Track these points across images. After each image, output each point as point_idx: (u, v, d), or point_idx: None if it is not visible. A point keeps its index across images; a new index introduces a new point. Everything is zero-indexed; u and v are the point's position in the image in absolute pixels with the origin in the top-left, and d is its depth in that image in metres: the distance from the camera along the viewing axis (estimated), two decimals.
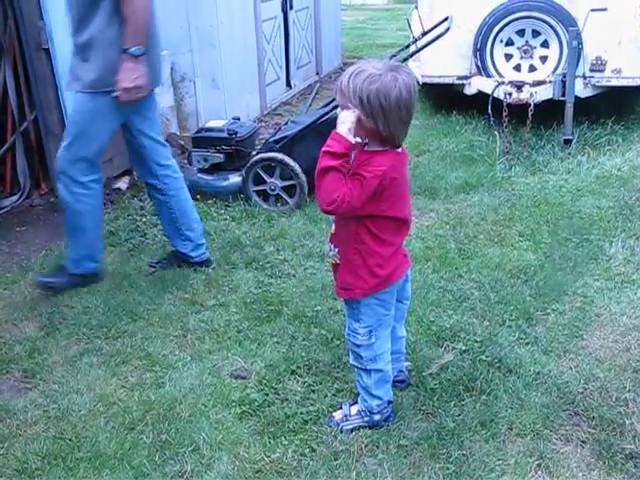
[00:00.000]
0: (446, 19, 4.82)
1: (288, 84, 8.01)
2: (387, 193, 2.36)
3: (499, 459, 2.57)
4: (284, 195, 4.85)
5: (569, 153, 5.62)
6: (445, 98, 6.72)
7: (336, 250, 2.54)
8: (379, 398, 2.70)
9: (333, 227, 2.54)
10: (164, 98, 6.04)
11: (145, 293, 3.79)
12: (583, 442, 2.65)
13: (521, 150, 5.59)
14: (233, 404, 2.89)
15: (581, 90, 5.85)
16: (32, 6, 4.72)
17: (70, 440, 2.73)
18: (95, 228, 3.87)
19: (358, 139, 2.32)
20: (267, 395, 2.93)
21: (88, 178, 3.71)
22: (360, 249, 2.48)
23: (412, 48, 5.35)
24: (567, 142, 5.72)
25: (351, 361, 2.72)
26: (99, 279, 3.92)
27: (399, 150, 2.41)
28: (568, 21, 5.73)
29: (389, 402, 2.74)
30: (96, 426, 2.80)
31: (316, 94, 7.83)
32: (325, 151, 2.29)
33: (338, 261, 2.55)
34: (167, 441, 2.70)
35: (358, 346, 2.62)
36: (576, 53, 5.52)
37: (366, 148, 2.39)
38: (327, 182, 2.29)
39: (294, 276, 3.93)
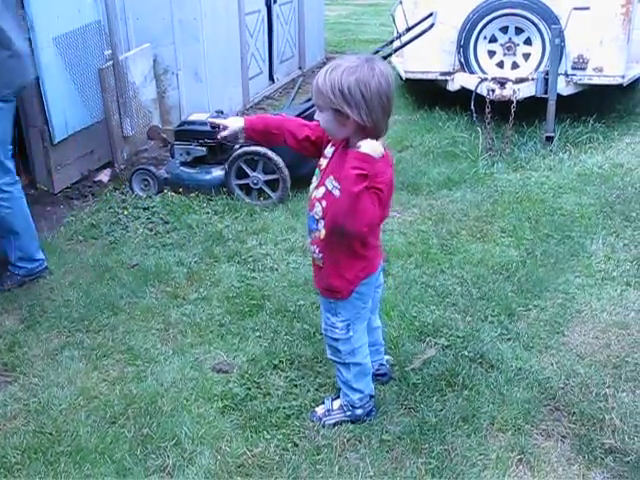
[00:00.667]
0: (430, 15, 4.82)
1: (271, 78, 7.97)
2: (386, 198, 2.36)
3: (481, 454, 2.59)
4: (267, 189, 4.83)
5: (551, 150, 5.65)
6: (428, 94, 6.72)
7: (321, 255, 2.52)
8: (360, 392, 2.70)
9: (322, 232, 2.47)
10: (147, 90, 6.01)
11: (127, 286, 3.76)
12: (563, 437, 2.67)
13: (503, 147, 5.61)
14: (215, 398, 2.89)
15: (563, 88, 5.87)
16: None
17: (50, 434, 2.71)
18: (27, 229, 3.86)
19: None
20: (249, 389, 2.92)
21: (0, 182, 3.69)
22: (350, 255, 2.48)
23: (396, 44, 5.36)
24: (549, 139, 5.74)
25: (329, 355, 2.72)
26: (45, 273, 3.92)
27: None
28: (551, 19, 5.75)
29: (371, 396, 2.75)
30: (77, 420, 2.78)
31: (299, 88, 7.80)
32: (359, 174, 2.21)
33: (321, 265, 2.53)
34: (149, 435, 2.69)
35: (336, 340, 2.62)
36: (558, 51, 5.54)
37: (351, 147, 2.37)
38: (363, 203, 2.24)
39: (277, 270, 3.92)
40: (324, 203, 2.42)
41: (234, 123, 2.68)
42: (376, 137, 2.34)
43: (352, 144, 2.37)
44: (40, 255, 3.92)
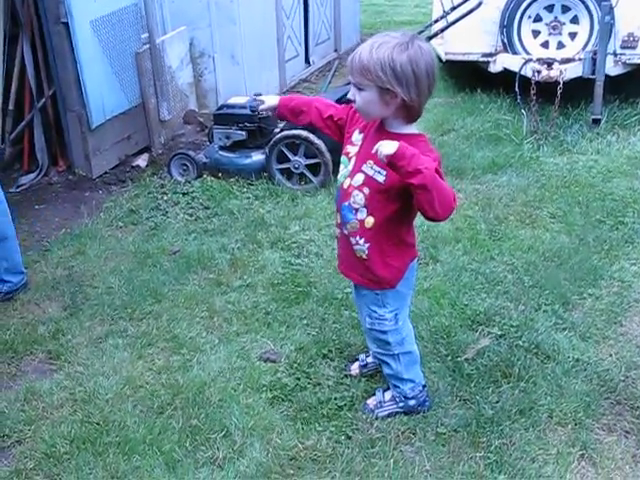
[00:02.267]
0: None
1: (307, 61, 7.85)
2: None
3: (540, 448, 2.50)
4: (308, 174, 4.74)
5: (598, 133, 5.47)
6: (469, 76, 6.56)
7: (366, 245, 2.40)
8: (411, 381, 2.62)
9: (371, 220, 2.35)
10: (183, 74, 5.94)
11: (169, 273, 3.71)
12: (627, 432, 2.56)
13: (549, 130, 5.44)
14: (264, 388, 2.82)
15: (611, 68, 5.67)
16: None
17: (98, 424, 2.67)
18: (13, 235, 3.60)
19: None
20: (299, 380, 2.85)
21: None
22: (397, 242, 2.40)
23: (439, 25, 5.22)
24: (596, 122, 5.56)
25: (375, 349, 2.64)
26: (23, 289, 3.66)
27: (418, 131, 2.32)
28: None
29: (423, 386, 2.66)
30: (124, 410, 2.73)
31: (335, 71, 7.70)
32: (417, 164, 2.06)
33: (365, 256, 2.42)
34: (197, 426, 2.63)
35: (385, 332, 2.53)
36: (608, 29, 5.35)
37: (389, 129, 2.29)
38: (439, 185, 2.10)
39: (321, 256, 3.83)
40: (366, 190, 2.32)
41: (270, 100, 2.68)
42: (415, 118, 2.28)
43: (389, 125, 2.29)
44: (23, 267, 3.68)
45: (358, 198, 2.35)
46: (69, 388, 2.88)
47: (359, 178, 2.34)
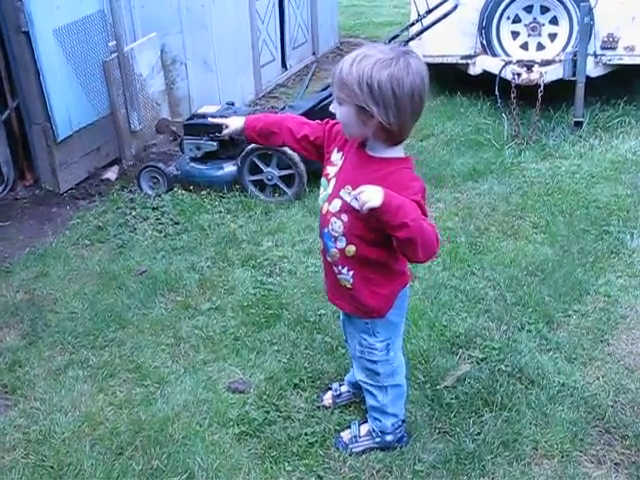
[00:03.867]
0: None
1: (284, 65, 7.67)
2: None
3: None
4: (282, 185, 4.57)
5: (580, 136, 5.34)
6: (448, 79, 6.41)
7: (350, 273, 2.23)
8: (395, 416, 2.46)
9: (352, 248, 2.17)
10: (155, 82, 5.76)
11: (135, 296, 3.53)
12: (617, 464, 2.42)
13: (530, 134, 5.30)
14: (231, 423, 2.65)
15: (592, 69, 5.54)
16: None
17: (52, 467, 2.49)
18: None
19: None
20: (268, 413, 2.68)
21: None
22: (384, 271, 2.23)
23: (415, 27, 5.07)
24: (578, 124, 5.43)
25: (363, 379, 2.45)
26: None
27: (403, 155, 2.14)
28: None
29: (402, 421, 2.50)
30: (81, 450, 2.55)
31: (313, 75, 7.56)
32: (402, 218, 1.91)
33: (350, 285, 2.25)
34: (159, 468, 2.46)
35: (374, 362, 2.36)
36: (588, 30, 5.22)
37: (370, 151, 2.11)
38: (423, 233, 1.95)
39: (294, 274, 3.67)
40: (344, 217, 2.14)
41: (235, 122, 2.47)
42: (399, 141, 2.08)
43: (370, 147, 2.11)
44: None
45: (336, 226, 2.17)
46: (23, 427, 2.69)
47: (336, 204, 2.16)
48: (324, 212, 2.21)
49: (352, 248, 2.17)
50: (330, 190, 2.19)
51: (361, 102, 1.96)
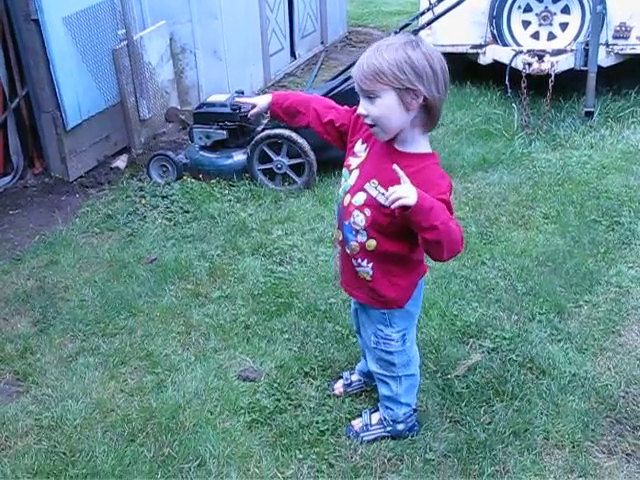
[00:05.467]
0: None
1: (293, 54, 7.64)
2: None
3: (537, 475, 2.35)
4: (292, 174, 4.56)
5: (591, 126, 5.30)
6: (458, 68, 6.36)
7: (370, 265, 2.21)
8: (407, 405, 2.46)
9: (373, 242, 2.16)
10: (164, 70, 5.74)
11: (145, 284, 3.53)
12: (629, 455, 2.41)
13: (540, 124, 5.27)
14: (242, 411, 2.65)
15: (603, 59, 5.50)
16: None
17: (64, 454, 2.50)
18: None
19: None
20: (279, 401, 2.69)
21: None
22: (404, 262, 2.21)
23: (426, 16, 5.04)
24: (589, 114, 5.40)
25: (377, 370, 2.44)
26: None
27: (430, 150, 2.12)
28: None
29: (414, 410, 2.50)
30: (92, 437, 2.56)
31: (321, 64, 7.52)
32: (433, 221, 1.90)
33: (369, 278, 2.24)
34: (170, 455, 2.46)
35: (390, 353, 2.35)
36: (600, 19, 5.17)
37: (400, 146, 2.08)
38: (451, 235, 1.94)
39: (305, 263, 3.66)
40: (367, 212, 2.11)
41: (262, 100, 2.42)
42: (435, 123, 2.08)
43: (400, 140, 2.07)
44: None
45: (359, 219, 2.15)
46: (35, 413, 2.70)
47: (360, 197, 2.14)
48: (346, 204, 2.19)
49: (373, 242, 2.15)
50: (352, 182, 2.17)
51: (406, 83, 1.95)
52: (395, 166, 1.94)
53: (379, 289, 2.24)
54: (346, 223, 2.20)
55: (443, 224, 1.90)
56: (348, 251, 2.24)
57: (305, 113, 2.35)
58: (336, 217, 2.30)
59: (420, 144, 2.09)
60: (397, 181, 1.92)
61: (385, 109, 2.00)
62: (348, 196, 2.18)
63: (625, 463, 2.38)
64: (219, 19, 5.99)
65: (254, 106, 2.44)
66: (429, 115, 2.03)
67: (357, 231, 2.17)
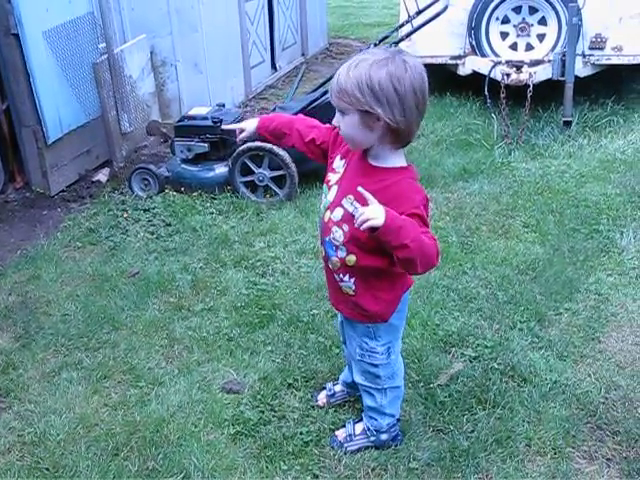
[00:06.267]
0: None
1: (273, 66, 7.68)
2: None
3: None
4: (273, 186, 4.58)
5: (569, 136, 5.37)
6: (438, 79, 6.41)
7: (352, 280, 2.22)
8: (391, 416, 2.48)
9: (352, 258, 2.16)
10: (145, 84, 5.75)
11: (128, 297, 3.53)
12: (609, 460, 2.44)
13: (519, 133, 5.33)
14: (226, 423, 2.66)
15: (580, 69, 5.58)
16: None
17: (47, 470, 2.49)
18: None
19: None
20: (262, 413, 2.69)
21: None
22: (387, 277, 2.21)
23: (405, 28, 5.08)
24: (567, 124, 5.47)
25: (362, 382, 2.45)
26: None
27: (406, 163, 2.12)
28: None
29: (397, 419, 2.51)
30: (76, 452, 2.55)
31: (302, 76, 7.55)
32: (403, 240, 1.89)
33: (352, 292, 2.25)
34: (154, 469, 2.46)
35: (376, 366, 2.37)
36: (576, 30, 5.25)
37: (373, 161, 2.10)
38: (424, 250, 1.94)
39: (287, 275, 3.68)
40: (345, 227, 2.13)
41: (250, 124, 2.46)
42: (405, 143, 2.07)
43: (373, 155, 2.09)
44: None
45: (337, 235, 2.17)
46: (18, 429, 2.69)
47: (338, 213, 2.15)
48: (326, 220, 2.21)
49: (353, 258, 2.16)
50: (331, 198, 2.18)
51: (364, 106, 1.95)
52: (360, 188, 1.96)
53: (363, 304, 2.25)
54: (327, 239, 2.21)
55: (414, 241, 1.90)
56: (330, 266, 2.26)
57: (289, 134, 2.38)
58: (319, 233, 2.32)
59: (393, 159, 2.09)
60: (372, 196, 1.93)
61: (350, 127, 2.03)
62: (328, 212, 2.19)
63: (606, 468, 2.40)
64: (199, 32, 6.01)
65: (242, 130, 2.48)
66: (396, 137, 2.02)
67: (337, 247, 2.18)
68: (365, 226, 1.88)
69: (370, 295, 2.23)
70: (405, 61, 1.95)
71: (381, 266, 2.16)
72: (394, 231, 1.88)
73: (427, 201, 2.07)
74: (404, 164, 2.12)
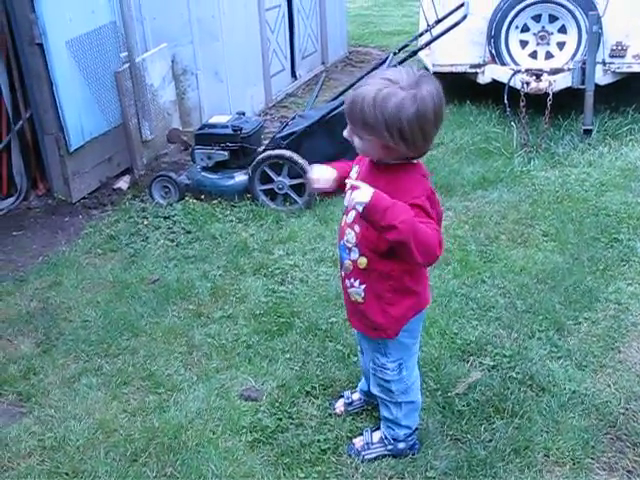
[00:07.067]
0: (462, 5, 4.55)
1: (293, 75, 7.72)
2: (433, 210, 2.11)
3: None
4: (293, 194, 4.60)
5: (589, 144, 5.34)
6: (457, 88, 6.42)
7: (362, 287, 2.24)
8: (408, 427, 2.47)
9: (364, 260, 2.19)
10: (166, 92, 5.81)
11: (147, 304, 3.56)
12: (629, 472, 2.42)
13: (539, 142, 5.32)
14: (244, 430, 2.67)
15: (601, 77, 5.56)
16: None
17: (67, 474, 2.52)
18: None
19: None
20: (280, 420, 2.70)
21: None
22: (397, 288, 2.22)
23: (425, 37, 5.09)
24: (587, 132, 5.44)
25: (377, 393, 2.47)
26: None
27: (415, 161, 2.15)
28: (587, 5, 5.44)
29: (415, 429, 2.51)
30: (95, 457, 2.58)
31: (322, 85, 7.57)
32: (391, 220, 1.94)
33: (361, 300, 2.26)
34: (172, 475, 2.48)
35: (387, 381, 2.38)
36: (596, 38, 5.23)
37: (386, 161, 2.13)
38: (418, 234, 1.96)
39: (306, 283, 3.69)
40: (357, 228, 2.17)
41: (325, 173, 2.31)
42: (417, 157, 2.12)
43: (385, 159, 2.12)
44: None
45: (350, 236, 2.21)
46: (38, 434, 2.72)
47: (351, 215, 2.20)
48: (342, 224, 2.25)
49: (364, 260, 2.18)
50: (346, 202, 2.20)
51: (389, 142, 1.99)
52: (347, 180, 2.06)
53: (369, 314, 2.26)
54: (341, 243, 2.25)
55: (404, 223, 1.92)
56: (343, 272, 2.28)
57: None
58: (337, 240, 2.34)
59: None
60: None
61: (367, 148, 2.09)
62: (344, 217, 2.24)
63: None
64: (220, 41, 6.06)
65: (317, 180, 2.32)
66: (407, 154, 2.06)
67: (350, 249, 2.21)
68: (352, 203, 1.97)
69: (378, 306, 2.24)
70: (430, 92, 1.97)
71: (392, 272, 2.17)
72: (380, 211, 1.93)
73: (431, 193, 2.09)
74: (412, 162, 2.14)
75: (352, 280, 2.25)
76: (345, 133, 2.12)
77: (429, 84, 1.99)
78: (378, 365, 2.37)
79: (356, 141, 2.09)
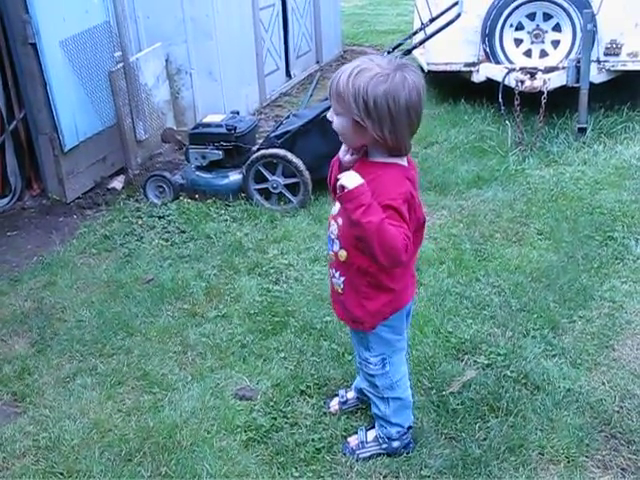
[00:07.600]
0: (456, 4, 4.55)
1: (288, 74, 7.71)
2: (412, 214, 2.11)
3: None
4: (287, 193, 4.60)
5: (584, 142, 5.35)
6: (452, 86, 6.43)
7: (342, 279, 2.27)
8: (399, 425, 2.47)
9: (343, 253, 2.21)
10: (160, 91, 5.80)
11: (142, 304, 3.55)
12: (623, 470, 2.42)
13: (534, 140, 5.32)
14: (238, 430, 2.67)
15: (595, 75, 5.57)
16: None
17: (61, 474, 2.51)
18: None
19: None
20: (275, 419, 2.70)
21: None
22: (373, 285, 2.24)
23: (419, 35, 5.09)
24: (581, 131, 5.44)
25: (366, 387, 2.49)
26: None
27: (405, 164, 2.15)
28: (582, 3, 5.45)
29: (409, 428, 2.51)
30: (90, 457, 2.57)
31: (317, 84, 7.58)
32: (360, 217, 1.98)
33: (340, 291, 2.30)
34: (167, 474, 2.48)
35: (372, 376, 2.40)
36: (591, 37, 5.23)
37: (370, 157, 2.15)
38: (384, 237, 1.99)
39: (300, 282, 3.69)
40: (340, 221, 2.19)
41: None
42: (396, 154, 2.11)
43: (371, 153, 2.14)
44: None
45: (333, 228, 2.25)
46: (33, 434, 2.71)
47: (336, 207, 2.24)
48: (330, 217, 2.29)
49: (344, 253, 2.22)
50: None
51: (356, 117, 2.00)
52: (339, 175, 2.07)
53: (348, 305, 2.30)
54: (328, 234, 2.29)
55: (370, 224, 1.97)
56: (328, 262, 2.33)
57: None
58: None
59: (388, 157, 2.12)
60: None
61: (341, 128, 2.09)
62: (333, 209, 2.27)
63: (620, 478, 2.39)
64: (214, 40, 6.05)
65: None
66: (384, 147, 2.07)
67: (333, 240, 2.25)
68: (338, 184, 2.01)
69: (355, 299, 2.27)
70: (405, 78, 1.98)
71: (370, 267, 2.18)
72: (354, 203, 1.99)
73: (410, 197, 2.09)
74: (401, 163, 2.14)
75: (333, 271, 2.30)
76: (328, 114, 2.13)
77: (408, 73, 2.00)
78: (362, 359, 2.40)
79: (335, 119, 2.09)
